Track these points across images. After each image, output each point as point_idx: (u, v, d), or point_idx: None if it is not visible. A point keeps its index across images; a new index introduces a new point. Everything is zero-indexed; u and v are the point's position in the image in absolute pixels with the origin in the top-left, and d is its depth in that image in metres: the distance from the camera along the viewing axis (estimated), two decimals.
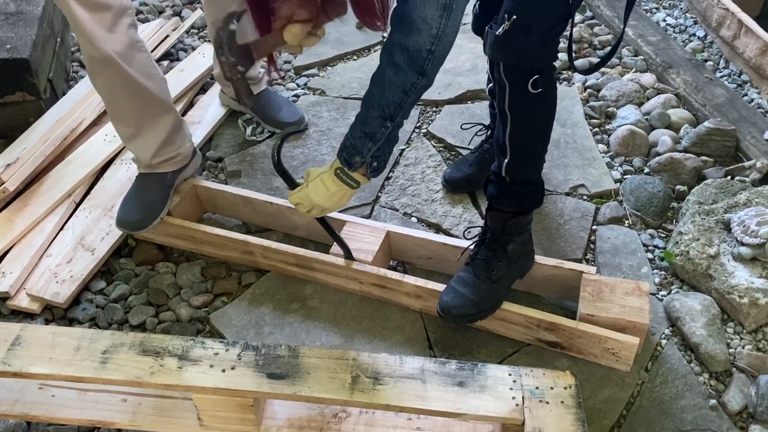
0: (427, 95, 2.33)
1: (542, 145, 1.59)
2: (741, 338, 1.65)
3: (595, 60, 2.49)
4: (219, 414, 1.38)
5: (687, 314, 1.65)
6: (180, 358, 1.36)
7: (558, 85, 2.37)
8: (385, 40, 1.32)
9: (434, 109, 2.35)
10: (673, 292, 1.76)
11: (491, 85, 1.82)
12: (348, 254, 1.72)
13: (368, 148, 1.40)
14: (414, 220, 1.97)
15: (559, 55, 1.50)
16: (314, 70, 2.54)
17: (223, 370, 1.34)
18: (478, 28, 1.74)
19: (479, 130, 2.05)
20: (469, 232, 1.73)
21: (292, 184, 1.56)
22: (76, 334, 1.42)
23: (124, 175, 2.05)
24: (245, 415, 1.38)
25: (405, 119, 1.41)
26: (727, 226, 1.78)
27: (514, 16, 1.36)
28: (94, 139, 2.15)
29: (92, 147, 2.12)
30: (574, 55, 2.52)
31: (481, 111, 2.29)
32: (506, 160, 1.54)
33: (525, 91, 1.43)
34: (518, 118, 1.49)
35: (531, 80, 1.42)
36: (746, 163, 2.03)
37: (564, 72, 2.46)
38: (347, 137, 1.42)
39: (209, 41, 2.51)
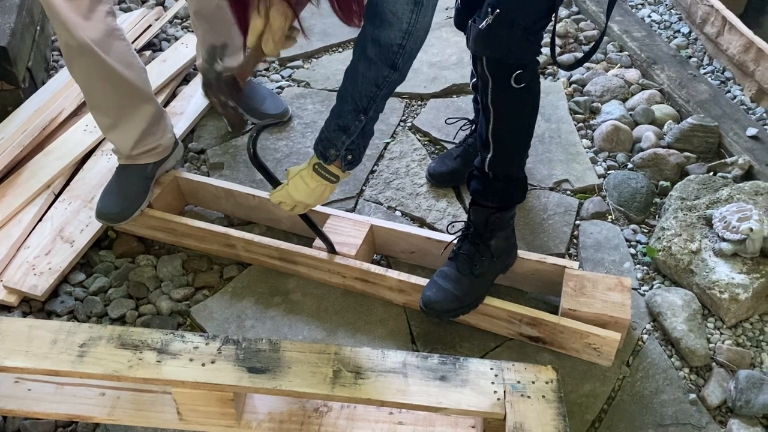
0: (412, 88, 2.36)
1: (525, 140, 1.59)
2: (721, 333, 1.66)
3: (580, 55, 2.50)
4: (199, 408, 1.37)
5: (668, 309, 1.66)
6: (159, 352, 1.35)
7: (543, 80, 2.37)
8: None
9: (419, 102, 2.34)
10: (654, 287, 1.77)
11: (475, 79, 1.82)
12: (331, 248, 1.71)
13: (342, 141, 1.41)
14: (398, 214, 1.96)
15: (543, 50, 1.50)
16: (299, 62, 2.52)
17: (203, 364, 1.33)
18: (460, 23, 1.73)
19: (464, 125, 2.04)
20: (453, 226, 1.73)
21: (269, 178, 1.55)
22: (53, 327, 1.39)
23: (104, 166, 2.02)
24: (225, 410, 1.37)
25: (379, 113, 1.42)
26: (708, 222, 1.79)
27: (498, 10, 1.35)
28: (74, 129, 2.12)
29: (72, 137, 2.09)
30: (559, 50, 2.52)
31: (466, 105, 2.29)
32: (489, 155, 1.54)
33: (508, 86, 1.43)
34: (501, 113, 1.49)
35: (514, 75, 1.41)
36: (728, 160, 2.04)
37: (549, 67, 2.46)
38: (322, 130, 1.43)
39: (192, 31, 2.48)
